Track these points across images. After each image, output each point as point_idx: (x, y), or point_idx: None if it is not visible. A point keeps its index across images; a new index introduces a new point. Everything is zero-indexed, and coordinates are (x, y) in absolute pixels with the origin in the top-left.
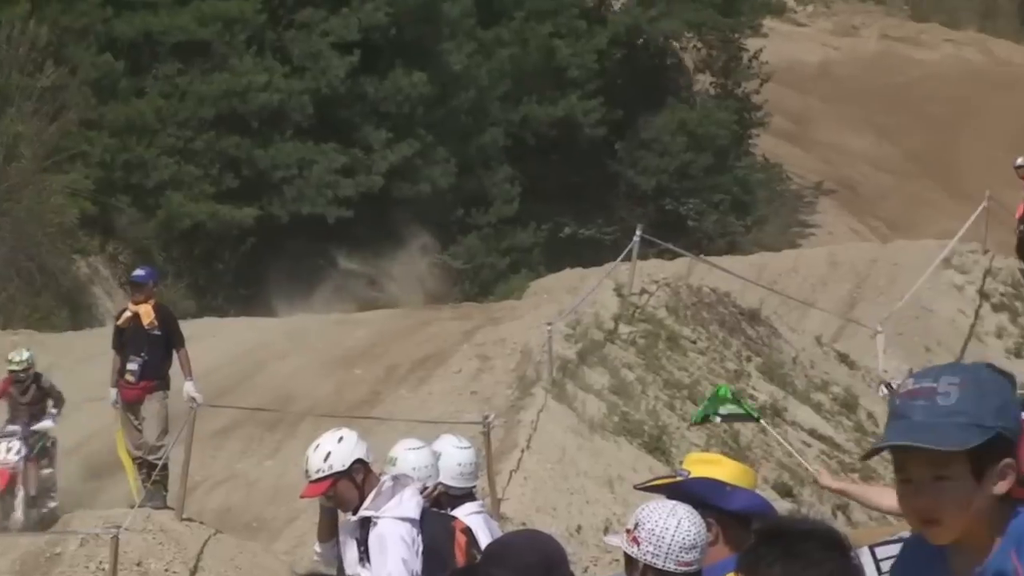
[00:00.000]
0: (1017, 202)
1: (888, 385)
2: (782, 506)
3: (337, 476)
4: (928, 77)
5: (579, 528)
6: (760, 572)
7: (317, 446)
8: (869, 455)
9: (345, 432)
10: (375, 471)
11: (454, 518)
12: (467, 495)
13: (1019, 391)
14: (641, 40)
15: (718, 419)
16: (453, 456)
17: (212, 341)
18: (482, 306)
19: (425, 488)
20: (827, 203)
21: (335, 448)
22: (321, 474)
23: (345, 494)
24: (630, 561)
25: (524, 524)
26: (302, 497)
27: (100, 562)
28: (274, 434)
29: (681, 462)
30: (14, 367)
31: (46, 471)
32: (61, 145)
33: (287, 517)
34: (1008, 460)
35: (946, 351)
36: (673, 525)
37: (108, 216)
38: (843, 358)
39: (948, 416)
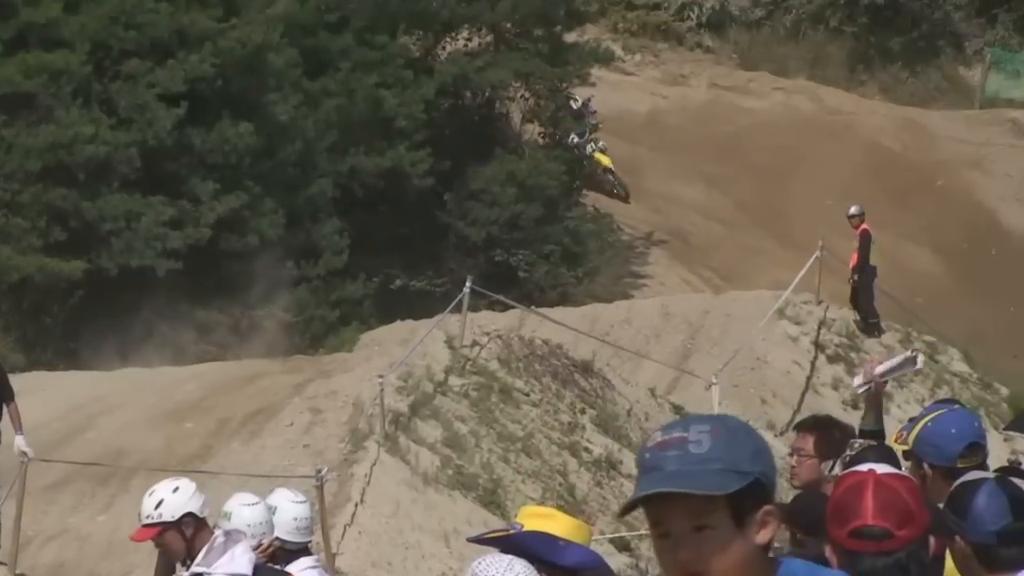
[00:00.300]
0: (850, 252)
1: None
2: (618, 561)
3: (165, 526)
4: (758, 125)
5: None
6: None
7: (152, 492)
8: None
9: (183, 483)
10: (210, 525)
11: (289, 574)
12: (303, 550)
13: (855, 442)
14: (468, 91)
15: None
16: (288, 510)
17: (42, 395)
18: (313, 359)
19: (260, 543)
20: (658, 253)
21: (168, 497)
22: (150, 520)
23: (172, 545)
24: None
25: None
26: (132, 538)
27: None
28: (106, 488)
29: (515, 516)
30: None
31: None
32: None
33: (121, 572)
34: (768, 507)
35: (782, 403)
36: None
37: None
38: (678, 410)
39: (703, 463)
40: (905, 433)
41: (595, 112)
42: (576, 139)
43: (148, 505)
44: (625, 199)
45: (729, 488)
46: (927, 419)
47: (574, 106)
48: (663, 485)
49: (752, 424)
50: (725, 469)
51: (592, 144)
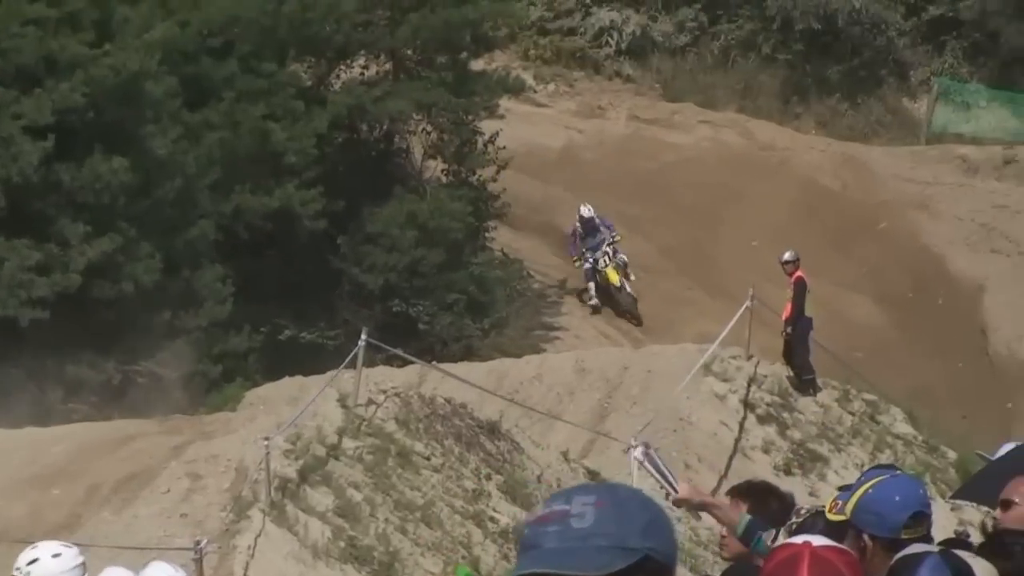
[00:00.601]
0: (783, 301)
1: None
2: None
3: None
4: (683, 162)
5: None
6: None
7: (35, 546)
8: None
9: (68, 553)
10: None
11: None
12: None
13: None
14: (365, 123)
15: None
16: None
17: None
18: (192, 418)
19: None
20: (573, 304)
21: (45, 560)
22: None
23: None
24: None
25: None
26: None
27: None
28: None
29: None
30: None
31: None
32: None
33: None
34: None
35: (708, 467)
36: None
37: None
38: (593, 476)
39: (585, 539)
40: (841, 502)
41: (612, 225)
42: (590, 261)
43: (22, 559)
44: (635, 321)
45: (613, 567)
46: (867, 486)
47: (585, 214)
48: (539, 565)
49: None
50: (610, 546)
51: (605, 258)
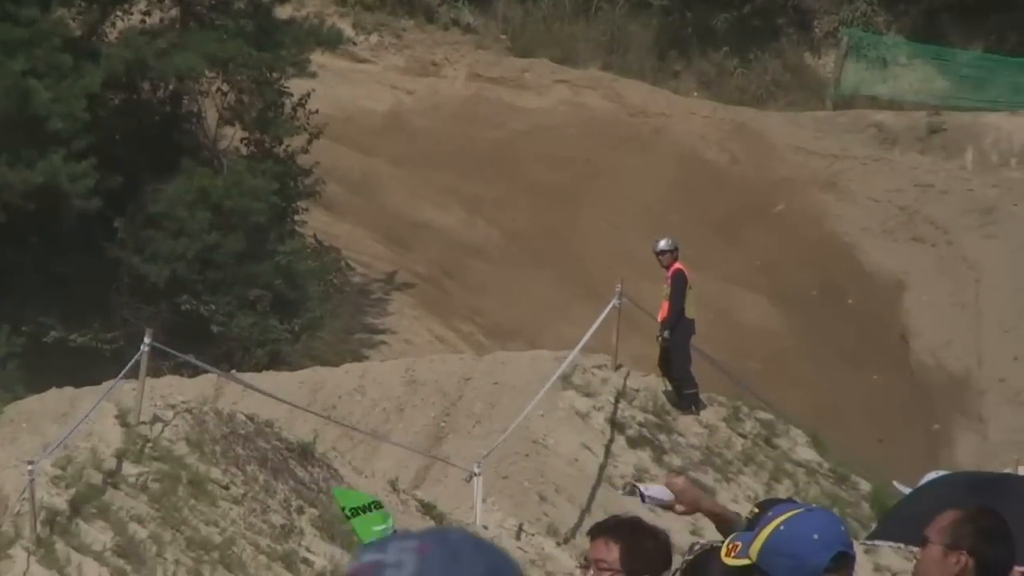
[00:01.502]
0: (659, 299)
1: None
2: None
3: None
4: (536, 130)
5: None
6: None
7: None
8: None
9: None
10: None
11: None
12: None
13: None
14: (147, 82)
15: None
16: None
17: None
18: None
19: None
20: (403, 301)
21: None
22: None
23: None
24: None
25: None
26: None
27: None
28: None
29: None
30: None
31: None
32: None
33: None
34: None
35: (568, 500)
36: None
37: None
38: (428, 509)
39: None
40: (742, 543)
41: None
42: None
43: None
44: None
45: None
46: (777, 523)
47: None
48: None
49: (527, 529)
50: None
51: None
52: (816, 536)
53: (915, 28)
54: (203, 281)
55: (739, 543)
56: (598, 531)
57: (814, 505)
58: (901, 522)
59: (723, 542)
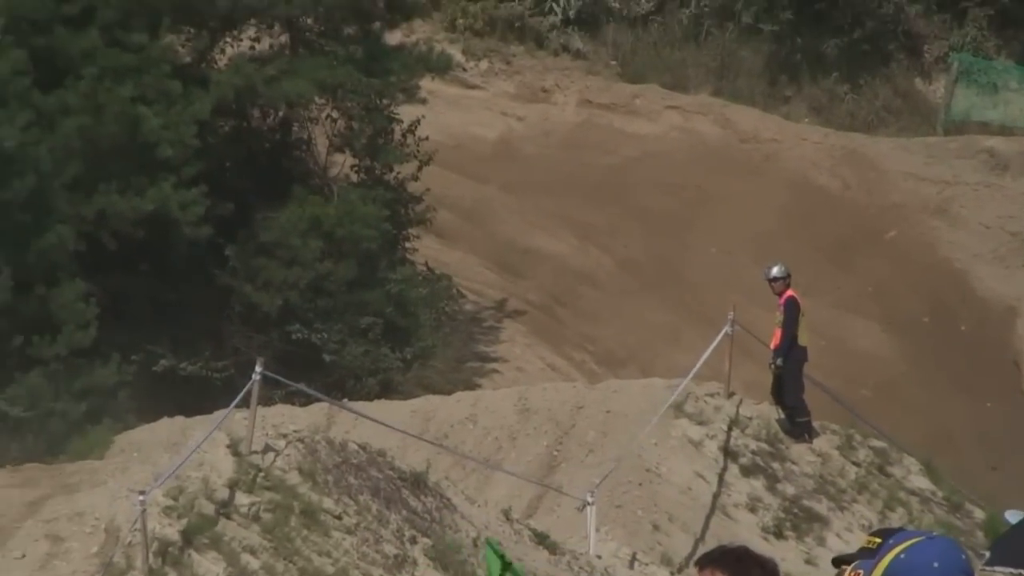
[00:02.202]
0: (772, 327)
1: None
2: None
3: None
4: (646, 157)
5: None
6: None
7: None
8: None
9: None
10: None
11: None
12: None
13: None
14: (257, 108)
15: None
16: None
17: None
18: (51, 468)
19: None
20: (514, 329)
21: None
22: None
23: None
24: None
25: None
26: None
27: None
28: None
29: None
30: None
31: None
32: None
33: None
34: None
35: (681, 529)
36: None
37: None
38: (541, 539)
39: None
40: (863, 572)
41: None
42: None
43: None
44: None
45: None
46: (898, 550)
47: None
48: None
49: (640, 558)
50: None
51: None
52: (937, 564)
53: None
54: (314, 309)
55: (860, 571)
56: (705, 561)
57: (935, 532)
58: (1016, 547)
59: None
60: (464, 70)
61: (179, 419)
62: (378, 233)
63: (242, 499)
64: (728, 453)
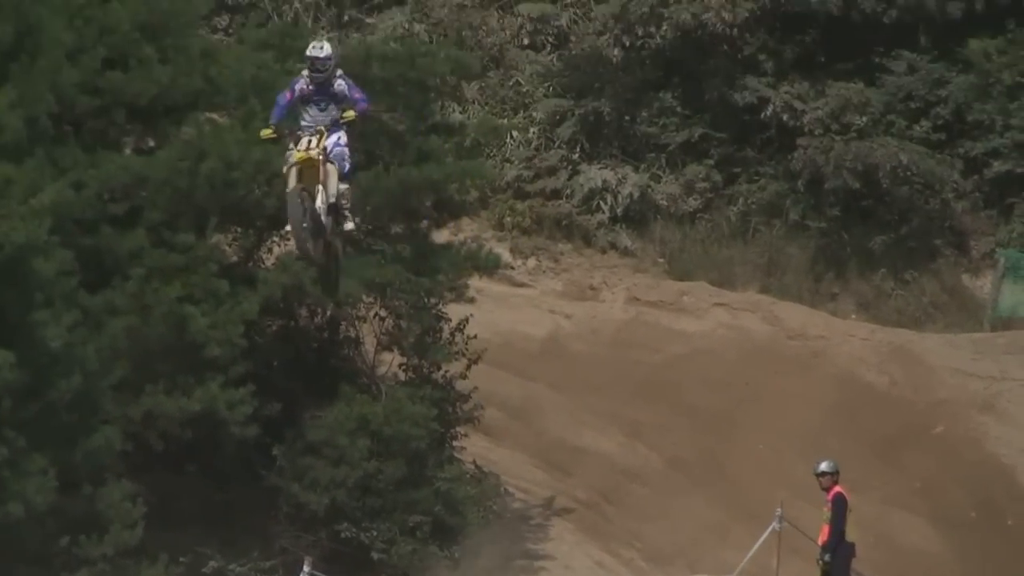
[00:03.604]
0: (819, 523)
1: None
2: None
3: None
4: (695, 354)
5: None
6: None
7: None
8: None
9: None
10: None
11: None
12: None
13: None
14: (304, 307)
15: None
16: None
17: None
18: None
19: None
20: (562, 527)
21: None
22: None
23: None
24: None
25: None
26: None
27: None
28: None
29: None
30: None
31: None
32: None
33: None
34: None
35: None
36: None
37: None
38: None
39: None
40: None
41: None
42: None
43: None
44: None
45: None
46: None
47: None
48: None
49: None
50: None
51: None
52: None
53: None
54: (362, 508)
55: None
56: None
57: None
58: None
59: None
60: (512, 268)
61: None
62: (426, 432)
63: None
64: None
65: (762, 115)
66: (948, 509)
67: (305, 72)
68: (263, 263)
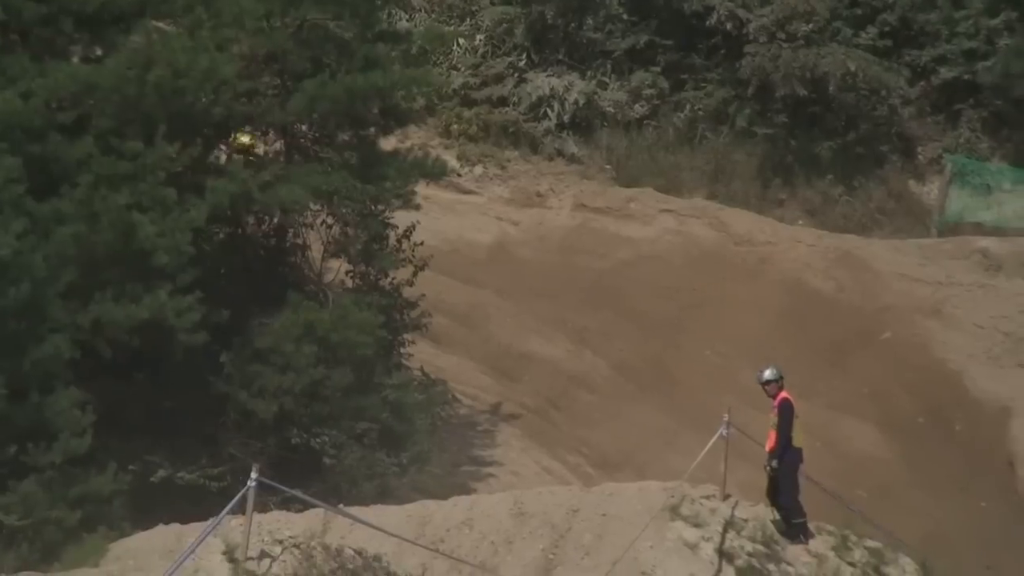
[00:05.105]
0: (766, 429)
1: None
2: None
3: None
4: (642, 261)
5: None
6: None
7: None
8: None
9: None
10: None
11: None
12: None
13: None
14: (252, 215)
15: None
16: None
17: None
18: None
19: None
20: (509, 432)
21: None
22: None
23: None
24: None
25: None
26: None
27: None
28: None
29: None
30: None
31: None
32: None
33: None
34: None
35: None
36: None
37: None
38: None
39: None
40: None
41: None
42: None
43: None
44: None
45: None
46: None
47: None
48: None
49: None
50: None
51: None
52: None
53: (1019, 154)
54: (310, 415)
55: None
56: None
57: None
58: None
59: None
60: (459, 176)
61: (175, 526)
62: (373, 339)
63: None
64: (724, 555)
65: (708, 22)
66: (896, 415)
67: None
68: (210, 171)
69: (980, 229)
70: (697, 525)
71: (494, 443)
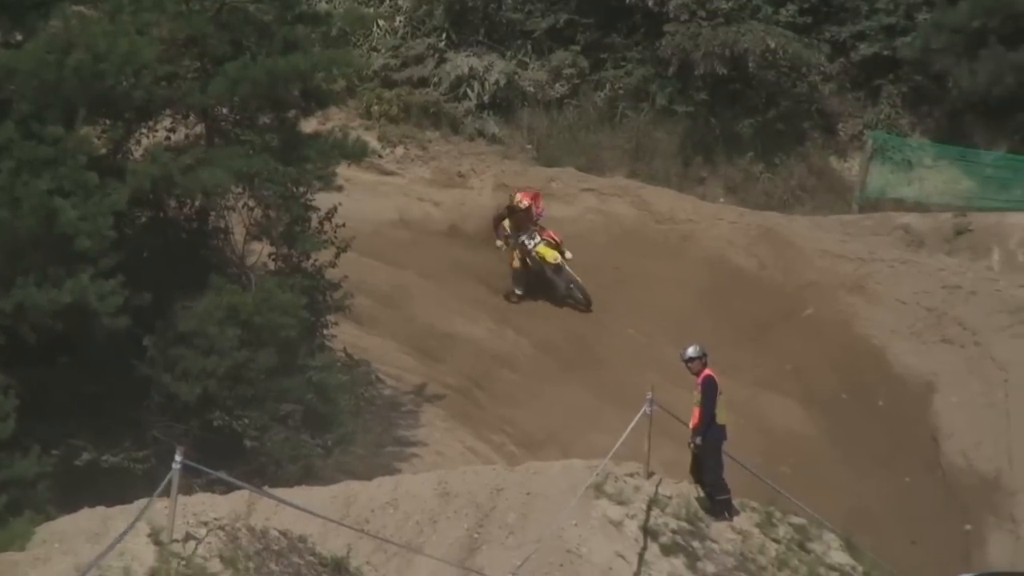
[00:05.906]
0: (690, 406)
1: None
2: None
3: None
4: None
5: None
6: None
7: None
8: None
9: None
10: None
11: None
12: None
13: None
14: (173, 199)
15: None
16: None
17: None
18: None
19: None
20: (433, 413)
21: None
22: None
23: None
24: None
25: None
26: None
27: None
28: None
29: None
30: None
31: None
32: None
33: None
34: None
35: None
36: None
37: None
38: None
39: None
40: None
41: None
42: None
43: None
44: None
45: None
46: None
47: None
48: None
49: None
50: None
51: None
52: None
53: (939, 130)
54: (234, 397)
55: None
56: None
57: None
58: None
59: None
60: (380, 157)
61: (100, 509)
62: (296, 320)
63: None
64: (648, 532)
65: (627, 0)
66: (819, 391)
67: None
68: (132, 155)
69: (901, 205)
70: (621, 503)
71: (418, 423)
